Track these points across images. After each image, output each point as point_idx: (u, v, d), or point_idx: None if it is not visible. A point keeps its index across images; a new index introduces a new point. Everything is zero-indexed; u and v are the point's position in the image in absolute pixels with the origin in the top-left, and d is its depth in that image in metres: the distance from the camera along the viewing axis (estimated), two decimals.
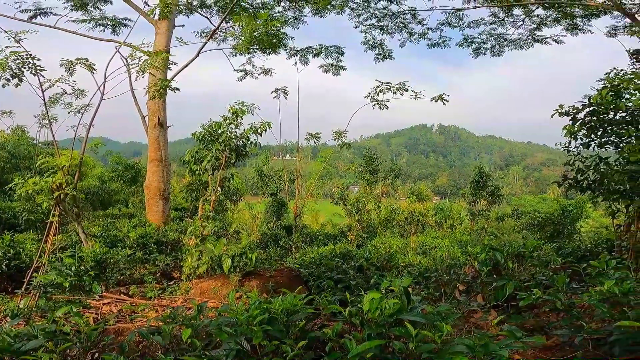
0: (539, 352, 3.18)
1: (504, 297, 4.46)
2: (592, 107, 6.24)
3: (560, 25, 14.54)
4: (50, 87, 8.44)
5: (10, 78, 7.39)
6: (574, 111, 6.48)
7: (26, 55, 7.47)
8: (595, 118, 6.26)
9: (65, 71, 9.17)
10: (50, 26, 13.91)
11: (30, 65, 7.57)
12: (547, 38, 15.41)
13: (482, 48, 16.61)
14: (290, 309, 2.65)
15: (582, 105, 6.38)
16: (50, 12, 13.98)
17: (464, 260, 7.55)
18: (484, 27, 15.77)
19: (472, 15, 15.50)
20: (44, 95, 8.23)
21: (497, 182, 31.51)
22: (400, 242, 15.88)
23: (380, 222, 22.60)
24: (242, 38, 11.05)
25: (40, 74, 7.75)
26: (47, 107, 9.36)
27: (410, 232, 20.80)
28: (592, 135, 6.43)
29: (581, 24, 14.24)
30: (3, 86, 7.49)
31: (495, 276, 5.21)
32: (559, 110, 6.60)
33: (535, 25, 15.04)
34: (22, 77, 7.58)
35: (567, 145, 6.69)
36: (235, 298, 3.75)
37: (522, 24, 15.09)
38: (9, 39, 7.51)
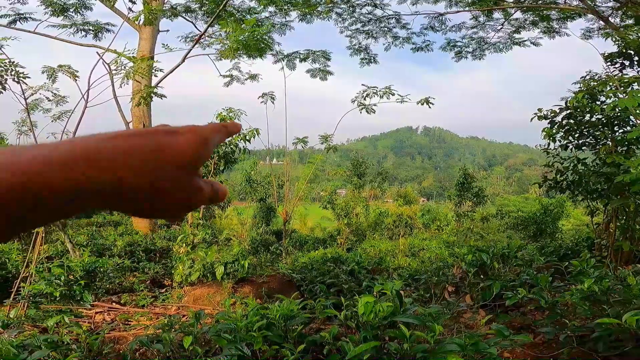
0: (527, 350, 3.31)
1: (491, 297, 4.61)
2: (569, 110, 6.44)
3: (538, 28, 15.02)
4: (32, 94, 8.32)
5: None
6: (552, 114, 6.69)
7: (9, 62, 7.36)
8: (572, 121, 6.45)
9: (48, 78, 9.04)
10: (30, 31, 13.65)
11: (12, 73, 7.47)
12: (525, 40, 15.87)
13: (463, 51, 16.98)
14: (288, 314, 2.72)
15: (560, 108, 6.58)
16: (30, 18, 13.75)
17: (452, 261, 7.73)
18: (465, 31, 16.18)
19: (454, 20, 15.81)
20: (26, 103, 8.09)
21: (481, 183, 32.13)
22: (390, 245, 16.05)
23: (369, 225, 22.74)
24: (228, 43, 11.07)
25: (24, 82, 7.64)
26: (29, 114, 9.20)
27: (398, 234, 21.03)
28: (570, 138, 6.61)
29: (557, 27, 14.74)
30: None
31: (482, 276, 5.37)
32: (538, 114, 6.79)
33: (514, 29, 15.49)
34: (5, 85, 7.47)
35: (546, 147, 6.91)
36: (230, 305, 3.78)
37: (501, 27, 15.53)
38: None
